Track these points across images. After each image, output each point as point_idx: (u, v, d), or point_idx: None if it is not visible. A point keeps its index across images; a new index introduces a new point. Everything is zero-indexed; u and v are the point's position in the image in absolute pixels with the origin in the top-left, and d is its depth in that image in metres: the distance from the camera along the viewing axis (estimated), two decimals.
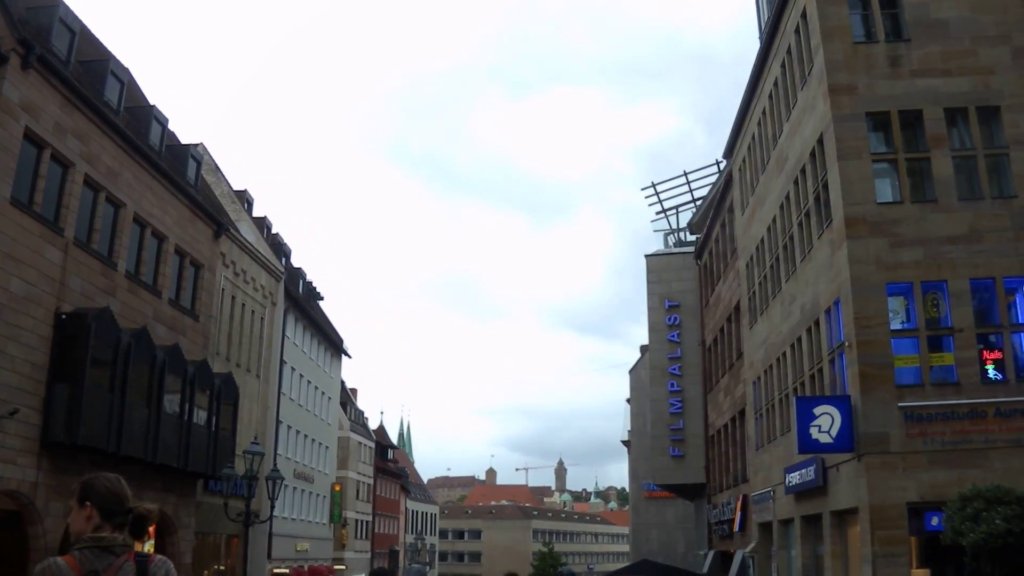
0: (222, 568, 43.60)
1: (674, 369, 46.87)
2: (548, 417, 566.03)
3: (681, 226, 54.07)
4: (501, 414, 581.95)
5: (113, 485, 4.74)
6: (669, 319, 47.32)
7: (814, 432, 22.68)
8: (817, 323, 25.96)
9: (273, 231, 58.29)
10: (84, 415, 29.19)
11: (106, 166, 32.39)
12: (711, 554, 42.99)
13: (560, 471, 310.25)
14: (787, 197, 29.02)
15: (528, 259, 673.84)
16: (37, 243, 28.45)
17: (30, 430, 27.99)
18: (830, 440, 22.56)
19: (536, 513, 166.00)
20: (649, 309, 48.23)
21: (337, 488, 72.35)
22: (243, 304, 46.27)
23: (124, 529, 4.63)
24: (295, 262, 62.66)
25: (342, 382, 79.48)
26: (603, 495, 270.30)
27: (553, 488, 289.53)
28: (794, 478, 27.13)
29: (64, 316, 29.36)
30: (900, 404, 21.86)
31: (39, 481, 28.33)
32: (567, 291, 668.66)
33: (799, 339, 27.68)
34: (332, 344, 70.93)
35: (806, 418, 22.94)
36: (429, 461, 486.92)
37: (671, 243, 54.46)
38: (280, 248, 57.05)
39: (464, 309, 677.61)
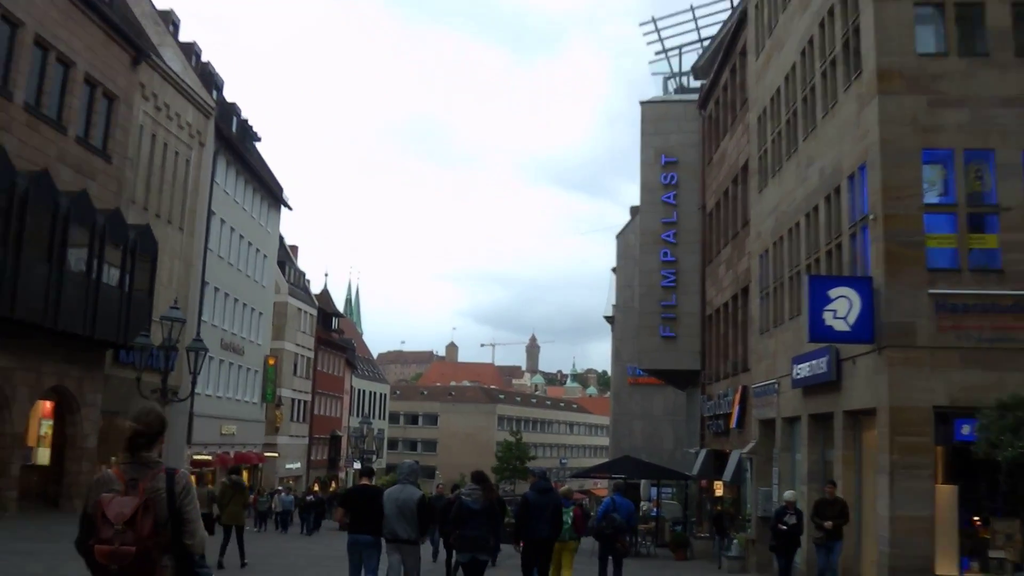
0: None
1: (668, 236, 46.10)
2: (522, 286, 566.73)
3: (684, 69, 53.10)
4: (466, 281, 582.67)
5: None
6: (665, 177, 46.39)
7: (828, 318, 22.23)
8: (838, 191, 25.38)
9: (203, 59, 57.07)
10: None
11: None
12: (703, 453, 42.83)
13: (532, 349, 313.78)
14: (810, 42, 28.14)
15: (507, 101, 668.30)
16: None
17: None
18: (847, 328, 22.14)
19: (503, 397, 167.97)
20: (643, 165, 47.31)
21: (271, 362, 72.28)
22: (165, 144, 45.52)
23: (152, 449, 6.59)
24: (228, 96, 61.74)
25: (280, 238, 79.08)
26: (581, 379, 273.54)
27: (524, 368, 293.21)
28: (803, 370, 26.67)
29: None
30: (931, 291, 21.36)
31: None
32: (551, 140, 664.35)
33: (816, 208, 27.09)
34: (270, 193, 70.36)
35: (820, 301, 22.45)
36: (380, 333, 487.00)
37: (671, 89, 53.45)
38: (211, 79, 55.99)
39: (429, 157, 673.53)
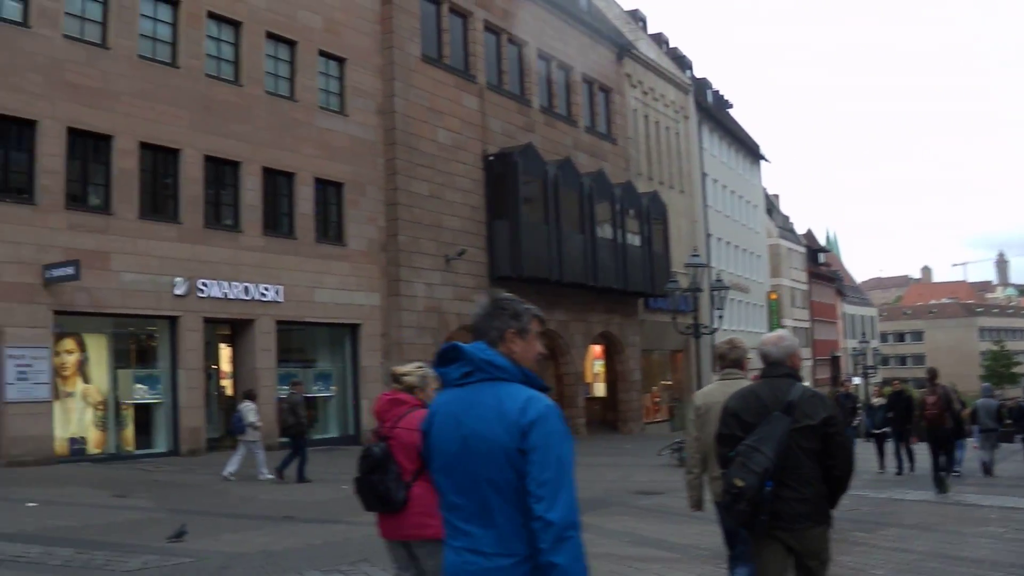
0: (669, 383, 47.52)
1: None
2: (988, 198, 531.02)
3: None
4: (930, 199, 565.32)
5: None
6: None
7: None
8: None
9: (671, 45, 59.64)
10: (524, 247, 32.66)
11: (500, 9, 35.03)
12: None
13: (1001, 264, 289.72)
14: None
15: None
16: (454, 93, 31.83)
17: (478, 268, 31.98)
18: None
19: (980, 310, 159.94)
20: None
21: (773, 296, 74.12)
22: (656, 121, 48.11)
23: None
24: (698, 73, 63.85)
25: (763, 189, 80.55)
26: None
27: (994, 282, 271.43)
28: None
29: (491, 157, 32.76)
30: None
31: None
32: None
33: None
34: (749, 151, 71.64)
35: None
36: (857, 263, 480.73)
37: None
38: (681, 61, 58.28)
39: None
